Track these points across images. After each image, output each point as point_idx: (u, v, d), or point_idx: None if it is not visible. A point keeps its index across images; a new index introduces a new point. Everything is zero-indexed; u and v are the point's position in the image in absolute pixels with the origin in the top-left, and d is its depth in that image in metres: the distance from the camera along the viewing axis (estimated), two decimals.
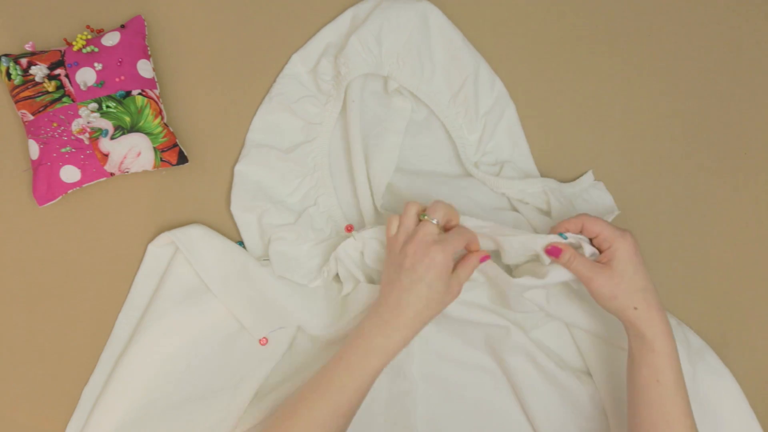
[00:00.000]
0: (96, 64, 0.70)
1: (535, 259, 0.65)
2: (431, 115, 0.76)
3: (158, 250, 0.72)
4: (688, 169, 0.75)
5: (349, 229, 0.73)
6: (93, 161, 0.70)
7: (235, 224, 0.73)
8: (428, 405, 0.69)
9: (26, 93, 0.69)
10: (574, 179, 0.74)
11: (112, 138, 0.70)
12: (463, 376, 0.70)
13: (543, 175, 0.75)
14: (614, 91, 0.77)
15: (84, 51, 0.70)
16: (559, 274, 0.60)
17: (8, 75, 0.70)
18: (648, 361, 0.57)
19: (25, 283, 0.72)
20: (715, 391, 0.67)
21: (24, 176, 0.73)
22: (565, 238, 0.60)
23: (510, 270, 0.68)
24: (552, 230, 0.62)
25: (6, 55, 0.71)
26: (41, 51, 0.72)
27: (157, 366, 0.67)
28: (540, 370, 0.67)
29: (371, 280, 0.69)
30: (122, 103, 0.70)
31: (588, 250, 0.60)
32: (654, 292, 0.58)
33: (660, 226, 0.74)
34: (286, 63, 0.76)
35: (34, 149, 0.70)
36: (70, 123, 0.69)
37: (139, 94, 0.71)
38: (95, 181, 0.72)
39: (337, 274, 0.72)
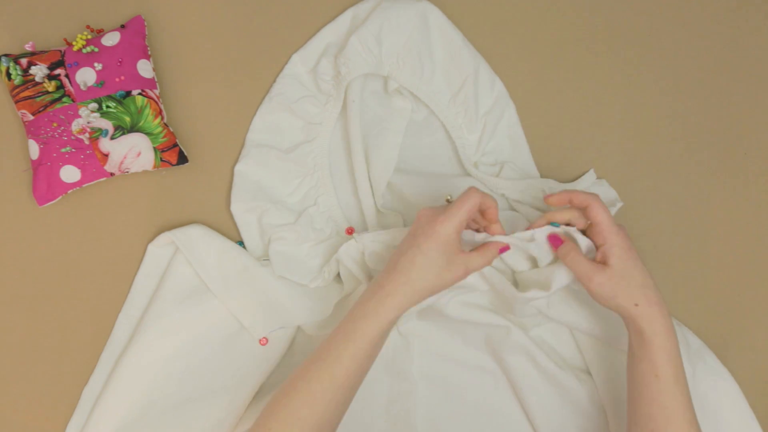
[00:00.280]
0: (96, 64, 0.70)
1: (534, 264, 0.65)
2: (431, 115, 0.76)
3: (158, 250, 0.72)
4: (688, 169, 0.75)
5: (350, 231, 0.73)
6: (93, 161, 0.70)
7: (235, 224, 0.73)
8: (428, 405, 0.69)
9: (26, 93, 0.69)
10: (574, 179, 0.74)
11: (112, 138, 0.70)
12: (463, 376, 0.70)
13: (543, 175, 0.75)
14: (614, 91, 0.77)
15: (84, 51, 0.70)
16: (561, 279, 0.60)
17: (8, 75, 0.70)
18: (647, 356, 0.57)
19: (25, 283, 0.72)
20: (714, 392, 0.67)
21: (24, 176, 0.73)
22: (557, 226, 0.60)
23: (512, 276, 0.68)
24: (550, 198, 0.61)
25: (6, 55, 0.71)
26: (41, 51, 0.72)
27: (157, 366, 0.67)
28: (540, 370, 0.67)
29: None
30: (122, 103, 0.70)
31: (583, 243, 0.60)
32: (653, 287, 0.58)
33: (660, 226, 0.74)
34: (286, 63, 0.76)
35: (34, 149, 0.70)
36: (70, 123, 0.69)
37: (139, 94, 0.71)
38: (95, 181, 0.72)
39: (338, 274, 0.72)
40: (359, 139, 0.72)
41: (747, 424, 0.67)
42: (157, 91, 0.73)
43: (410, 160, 0.75)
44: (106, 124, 0.69)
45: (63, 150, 0.69)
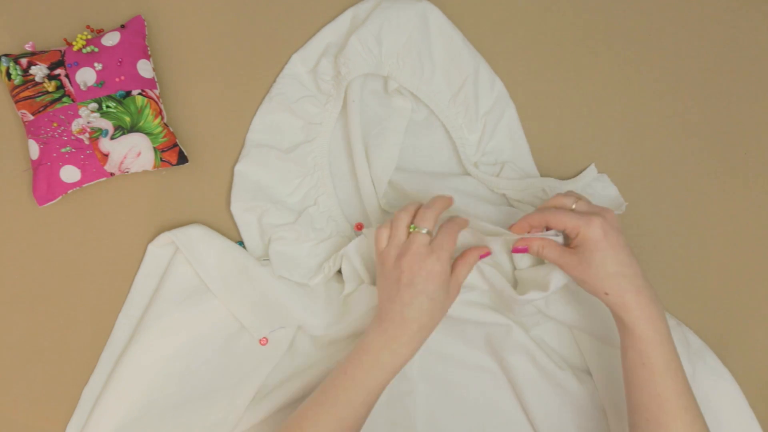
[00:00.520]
0: (96, 64, 0.70)
1: (535, 261, 0.65)
2: (431, 115, 0.76)
3: (158, 250, 0.72)
4: (688, 169, 0.75)
5: (360, 227, 0.73)
6: (93, 161, 0.70)
7: (235, 224, 0.73)
8: (428, 405, 0.69)
9: (26, 93, 0.69)
10: (574, 177, 0.74)
11: (112, 138, 0.70)
12: (463, 376, 0.70)
13: (543, 175, 0.75)
14: (614, 91, 0.77)
15: (84, 51, 0.70)
16: (559, 278, 0.60)
17: (8, 75, 0.70)
18: (632, 345, 0.56)
19: (25, 283, 0.72)
20: (714, 392, 0.67)
21: (24, 176, 0.73)
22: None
23: (513, 274, 0.68)
24: (512, 227, 0.62)
25: (6, 55, 0.71)
26: (41, 51, 0.72)
27: (157, 366, 0.67)
28: (540, 370, 0.67)
29: (375, 281, 0.69)
30: (122, 103, 0.70)
31: (554, 235, 0.60)
32: (631, 276, 0.56)
33: (660, 226, 0.74)
34: (286, 63, 0.76)
35: (34, 149, 0.70)
36: (70, 123, 0.69)
37: (139, 94, 0.71)
38: (95, 181, 0.72)
39: (339, 273, 0.72)
40: (360, 139, 0.72)
41: (747, 424, 0.67)
42: (157, 91, 0.73)
43: (410, 160, 0.75)
44: (106, 124, 0.69)
45: (63, 150, 0.69)
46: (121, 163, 0.70)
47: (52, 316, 0.71)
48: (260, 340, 0.69)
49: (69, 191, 0.71)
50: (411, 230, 0.59)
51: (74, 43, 0.70)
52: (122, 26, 0.73)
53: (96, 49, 0.71)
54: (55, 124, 0.69)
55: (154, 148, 0.71)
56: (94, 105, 0.69)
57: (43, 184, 0.70)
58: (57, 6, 0.77)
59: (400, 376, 0.69)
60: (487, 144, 0.74)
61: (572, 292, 0.67)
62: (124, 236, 0.73)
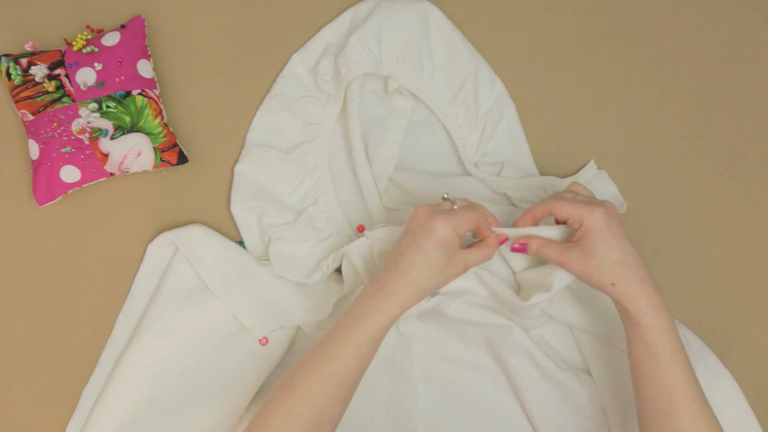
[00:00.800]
0: (96, 64, 0.70)
1: (532, 262, 0.65)
2: (431, 115, 0.76)
3: (158, 250, 0.72)
4: (688, 169, 0.75)
5: (361, 229, 0.73)
6: (93, 161, 0.70)
7: (235, 224, 0.73)
8: (429, 405, 0.69)
9: (26, 93, 0.69)
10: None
11: (112, 138, 0.70)
12: (464, 377, 0.70)
13: (543, 175, 0.75)
14: (614, 91, 0.77)
15: (84, 51, 0.70)
16: (562, 278, 0.60)
17: (8, 75, 0.70)
18: (639, 337, 0.56)
19: (25, 283, 0.72)
20: (714, 392, 0.67)
21: (24, 176, 0.73)
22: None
23: (514, 278, 0.68)
24: (516, 222, 0.62)
25: (6, 55, 0.71)
26: (41, 51, 0.72)
27: (157, 366, 0.67)
28: (540, 371, 0.67)
29: None
30: (122, 103, 0.70)
31: (557, 232, 0.60)
32: (635, 266, 0.56)
33: (660, 225, 0.74)
34: (286, 63, 0.76)
35: (34, 149, 0.70)
36: (70, 123, 0.69)
37: (139, 94, 0.71)
38: (95, 181, 0.72)
39: (339, 273, 0.72)
40: (360, 138, 0.72)
41: (747, 424, 0.67)
42: (157, 91, 0.73)
43: (410, 160, 0.75)
44: (106, 124, 0.69)
45: (63, 150, 0.69)
46: (121, 163, 0.70)
47: (52, 316, 0.71)
48: (260, 340, 0.69)
49: (69, 191, 0.71)
50: (444, 197, 0.60)
51: (74, 43, 0.70)
52: (122, 26, 0.73)
53: (96, 49, 0.71)
54: (55, 124, 0.69)
55: (154, 148, 0.71)
56: (94, 105, 0.69)
57: (43, 184, 0.70)
58: (57, 6, 0.77)
59: (401, 376, 0.69)
60: (488, 144, 0.74)
61: (574, 292, 0.67)
62: (124, 236, 0.73)
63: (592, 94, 0.77)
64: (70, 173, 0.70)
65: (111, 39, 0.71)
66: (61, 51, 0.71)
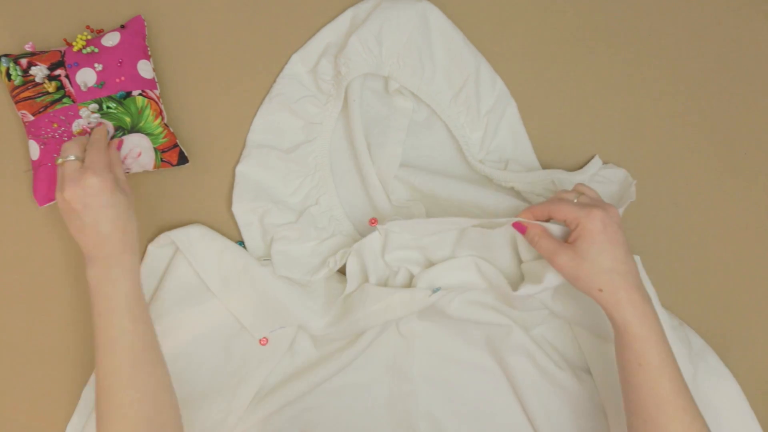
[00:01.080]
0: (96, 65, 0.70)
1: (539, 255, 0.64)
2: (432, 115, 0.76)
3: (158, 250, 0.72)
4: (688, 168, 0.75)
5: (374, 222, 0.72)
6: None
7: (235, 224, 0.73)
8: (429, 405, 0.69)
9: (26, 93, 0.69)
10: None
11: (112, 138, 0.70)
12: (464, 377, 0.70)
13: None
14: (614, 90, 0.77)
15: (84, 51, 0.70)
16: (556, 277, 0.60)
17: (8, 75, 0.70)
18: (627, 345, 0.56)
19: (25, 283, 0.72)
20: (715, 392, 0.67)
21: (24, 176, 0.73)
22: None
23: (517, 267, 0.68)
24: (518, 216, 0.62)
25: (6, 56, 0.71)
26: (41, 51, 0.72)
27: None
28: (540, 370, 0.67)
29: (380, 281, 0.69)
30: (122, 104, 0.70)
31: (557, 229, 0.59)
32: (625, 274, 0.56)
33: (660, 225, 0.74)
34: (286, 63, 0.76)
35: (34, 150, 0.70)
36: (70, 124, 0.69)
37: (140, 94, 0.71)
38: None
39: (339, 273, 0.72)
40: (362, 138, 0.72)
41: (748, 425, 0.67)
42: (157, 92, 0.73)
43: (412, 161, 0.75)
44: (107, 125, 0.69)
45: None
46: (122, 163, 0.70)
47: (52, 316, 0.71)
48: (260, 340, 0.69)
49: None
50: (57, 162, 0.61)
51: (74, 43, 0.70)
52: (122, 26, 0.73)
53: (96, 50, 0.71)
54: (55, 125, 0.69)
55: (155, 149, 0.71)
56: (95, 106, 0.69)
57: (44, 184, 0.70)
58: (57, 6, 0.77)
59: (402, 376, 0.69)
60: (491, 143, 0.74)
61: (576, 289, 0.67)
62: None
63: (593, 93, 0.77)
64: None
65: (111, 39, 0.71)
66: (61, 51, 0.71)
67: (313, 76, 0.75)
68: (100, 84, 0.70)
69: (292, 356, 0.70)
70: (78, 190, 0.59)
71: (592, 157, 0.74)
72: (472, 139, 0.74)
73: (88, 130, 0.69)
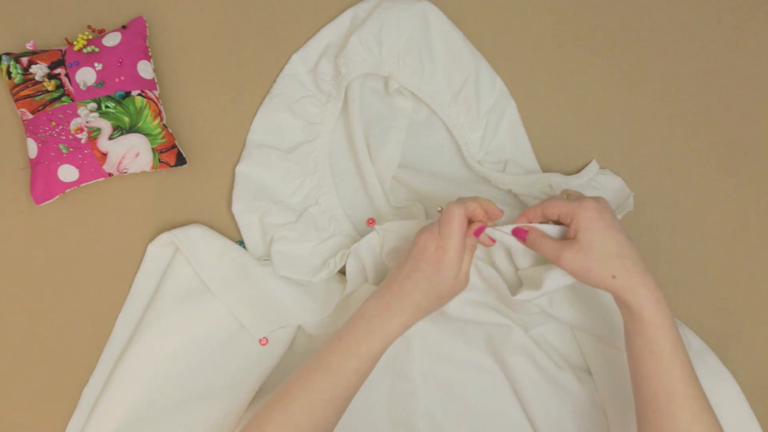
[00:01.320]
0: (96, 64, 0.70)
1: (537, 262, 0.64)
2: (432, 115, 0.76)
3: (158, 250, 0.72)
4: (689, 168, 0.75)
5: (371, 222, 0.73)
6: (91, 161, 0.70)
7: (235, 224, 0.73)
8: (429, 406, 0.69)
9: (26, 92, 0.69)
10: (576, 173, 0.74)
11: (110, 138, 0.70)
12: (464, 377, 0.70)
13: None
14: (614, 90, 0.77)
15: (84, 51, 0.70)
16: (555, 281, 0.59)
17: (8, 73, 0.70)
18: (639, 332, 0.55)
19: (25, 283, 0.72)
20: (715, 393, 0.66)
21: (22, 175, 0.73)
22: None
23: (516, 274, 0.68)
24: (515, 221, 0.61)
25: (7, 54, 0.71)
26: (42, 50, 0.72)
27: (157, 366, 0.67)
28: (540, 371, 0.67)
29: (379, 281, 0.69)
30: (121, 104, 0.70)
31: (554, 229, 0.59)
32: (633, 257, 0.55)
33: (660, 225, 0.74)
34: (286, 63, 0.76)
35: (32, 148, 0.70)
36: (68, 122, 0.69)
37: (139, 95, 0.71)
38: (94, 181, 0.72)
39: (339, 273, 0.72)
40: (362, 138, 0.72)
41: (748, 425, 0.67)
42: (156, 92, 0.73)
43: (412, 160, 0.75)
44: (105, 124, 0.69)
45: (61, 149, 0.69)
46: (120, 163, 0.70)
47: (51, 316, 0.71)
48: (260, 340, 0.69)
49: (66, 190, 0.71)
50: (438, 210, 0.60)
51: (75, 42, 0.71)
52: (123, 27, 0.73)
53: (96, 50, 0.71)
54: (53, 123, 0.69)
55: (153, 149, 0.71)
56: (93, 105, 0.69)
57: (41, 182, 0.70)
58: (58, 6, 0.77)
59: (402, 376, 0.69)
60: (490, 143, 0.74)
61: (575, 292, 0.67)
62: (124, 236, 0.73)
63: (593, 93, 0.77)
64: (67, 172, 0.70)
65: (112, 39, 0.72)
66: (61, 50, 0.71)
67: (313, 76, 0.75)
68: (100, 83, 0.70)
69: (292, 356, 0.70)
70: (427, 243, 0.58)
71: (591, 162, 0.74)
72: (471, 139, 0.74)
73: (86, 128, 0.69)
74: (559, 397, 0.67)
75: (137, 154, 0.70)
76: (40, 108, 0.69)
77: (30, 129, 0.70)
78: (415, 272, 0.57)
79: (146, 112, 0.71)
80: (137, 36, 0.73)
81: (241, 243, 0.72)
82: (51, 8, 0.77)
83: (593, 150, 0.76)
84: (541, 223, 0.60)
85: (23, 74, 0.69)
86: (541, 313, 0.67)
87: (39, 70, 0.69)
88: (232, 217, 0.72)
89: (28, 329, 0.71)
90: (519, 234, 0.60)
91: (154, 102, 0.71)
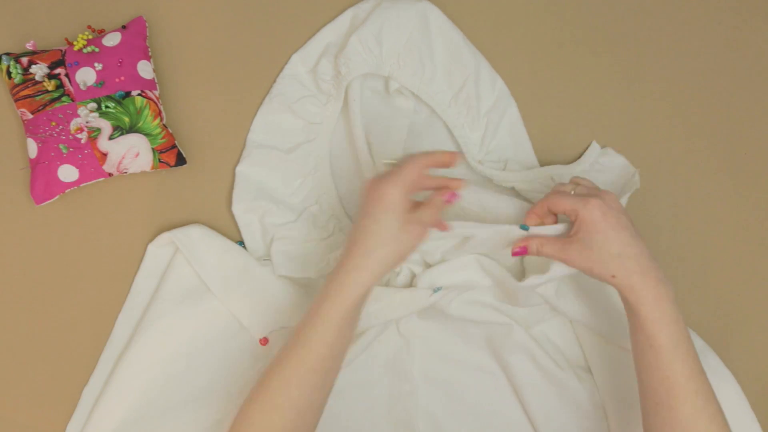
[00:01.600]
0: (96, 64, 0.70)
1: None
2: (432, 115, 0.76)
3: (158, 250, 0.72)
4: (689, 168, 0.75)
5: None
6: (91, 161, 0.70)
7: (235, 224, 0.72)
8: (430, 406, 0.69)
9: (26, 92, 0.69)
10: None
11: (110, 138, 0.70)
12: (464, 376, 0.70)
13: None
14: (614, 90, 0.77)
15: (85, 51, 0.70)
16: (562, 266, 0.60)
17: (8, 73, 0.70)
18: (639, 327, 0.55)
19: (25, 283, 0.72)
20: (716, 393, 0.67)
21: (22, 175, 0.73)
22: (526, 228, 0.60)
23: (520, 266, 0.68)
24: (525, 221, 0.62)
25: (7, 54, 0.71)
26: (42, 50, 0.72)
27: (157, 366, 0.67)
28: (540, 370, 0.67)
29: (382, 281, 0.69)
30: (121, 104, 0.70)
31: (557, 229, 0.59)
32: (636, 257, 0.55)
33: (660, 225, 0.74)
34: (286, 63, 0.76)
35: (32, 148, 0.70)
36: (68, 122, 0.69)
37: (139, 95, 0.71)
38: (94, 181, 0.72)
39: None
40: (363, 138, 0.72)
41: (748, 425, 0.67)
42: (156, 92, 0.73)
43: None
44: (105, 124, 0.69)
45: (61, 149, 0.69)
46: (119, 163, 0.70)
47: (51, 316, 0.71)
48: (260, 340, 0.69)
49: (66, 190, 0.71)
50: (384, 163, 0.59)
51: (75, 42, 0.71)
52: (123, 27, 0.73)
53: (97, 50, 0.71)
54: (53, 123, 0.69)
55: (153, 149, 0.71)
56: (93, 105, 0.69)
57: (41, 182, 0.70)
58: (58, 6, 0.77)
59: (402, 376, 0.69)
60: (491, 142, 0.74)
61: (581, 286, 0.67)
62: (124, 236, 0.73)
63: (593, 92, 0.77)
64: (67, 172, 0.70)
65: (112, 39, 0.72)
66: (61, 50, 0.71)
67: (313, 76, 0.75)
68: (100, 83, 0.70)
69: None
70: (372, 189, 0.56)
71: (591, 143, 0.74)
72: (471, 139, 0.74)
73: (85, 128, 0.69)
74: (559, 397, 0.67)
75: (137, 154, 0.70)
76: (40, 108, 0.69)
77: (30, 129, 0.70)
78: (363, 218, 0.55)
79: (146, 112, 0.71)
80: (137, 36, 0.73)
81: (241, 243, 0.72)
82: (51, 8, 0.77)
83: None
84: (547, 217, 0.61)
85: (23, 74, 0.69)
86: (545, 306, 0.67)
87: (39, 70, 0.69)
88: (232, 217, 0.72)
89: (28, 329, 0.71)
90: (521, 252, 0.60)
91: (154, 102, 0.71)
